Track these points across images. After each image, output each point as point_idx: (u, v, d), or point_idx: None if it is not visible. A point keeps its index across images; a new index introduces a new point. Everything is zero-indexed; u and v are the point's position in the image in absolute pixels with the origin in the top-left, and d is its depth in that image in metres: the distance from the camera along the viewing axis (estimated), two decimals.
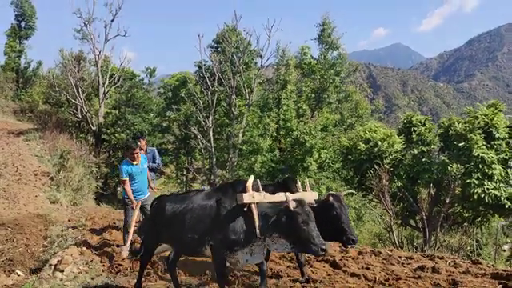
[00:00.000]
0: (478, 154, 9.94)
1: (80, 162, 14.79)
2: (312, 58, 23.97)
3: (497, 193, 9.96)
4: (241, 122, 23.65)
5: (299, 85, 23.08)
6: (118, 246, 7.73)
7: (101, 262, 7.01)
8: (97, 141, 22.90)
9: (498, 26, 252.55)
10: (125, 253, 6.78)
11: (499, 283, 6.22)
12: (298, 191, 4.97)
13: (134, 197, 7.12)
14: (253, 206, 4.37)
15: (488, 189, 9.88)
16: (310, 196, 4.99)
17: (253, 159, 21.32)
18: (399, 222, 11.76)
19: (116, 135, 22.80)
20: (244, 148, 22.35)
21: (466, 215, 11.08)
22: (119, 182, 8.75)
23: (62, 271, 6.41)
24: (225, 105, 26.13)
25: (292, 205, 4.20)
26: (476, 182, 9.89)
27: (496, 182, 10.00)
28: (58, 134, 19.08)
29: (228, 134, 24.35)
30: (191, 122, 26.51)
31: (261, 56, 24.56)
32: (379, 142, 11.15)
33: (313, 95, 23.08)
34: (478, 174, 9.93)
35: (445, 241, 10.62)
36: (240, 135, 23.26)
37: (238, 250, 4.45)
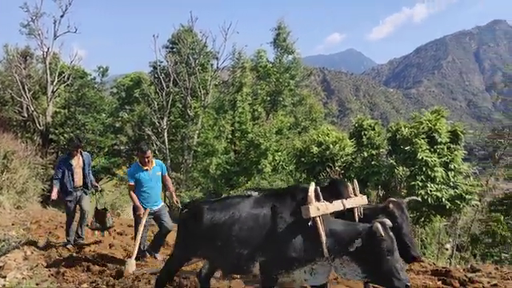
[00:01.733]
0: (422, 158, 10.44)
1: (25, 164, 14.15)
2: (268, 61, 24.26)
3: (438, 194, 10.48)
4: (196, 124, 23.54)
5: (255, 87, 23.28)
6: (62, 250, 7.39)
7: (46, 267, 6.71)
8: (44, 141, 22.01)
9: (443, 36, 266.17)
10: (130, 268, 5.91)
11: (438, 279, 6.59)
12: (350, 196, 4.29)
13: (142, 205, 6.41)
14: (318, 219, 3.71)
15: (431, 190, 10.37)
16: (361, 201, 4.37)
17: (208, 161, 21.27)
18: None
19: (65, 135, 22.03)
20: (199, 150, 22.26)
21: (411, 216, 11.58)
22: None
23: (5, 277, 6.06)
24: (180, 106, 25.90)
25: (380, 230, 3.53)
26: (420, 184, 10.37)
27: (438, 184, 10.52)
28: (0, 134, 18.16)
29: (183, 136, 24.15)
30: (145, 123, 26.06)
31: (217, 58, 24.62)
32: (331, 145, 11.47)
33: (268, 98, 23.36)
34: (422, 177, 10.42)
35: None
36: (195, 137, 23.14)
37: (296, 269, 3.83)
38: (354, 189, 4.45)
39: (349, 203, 4.06)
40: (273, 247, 3.80)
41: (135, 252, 6.19)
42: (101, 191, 8.00)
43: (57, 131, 22.10)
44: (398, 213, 4.28)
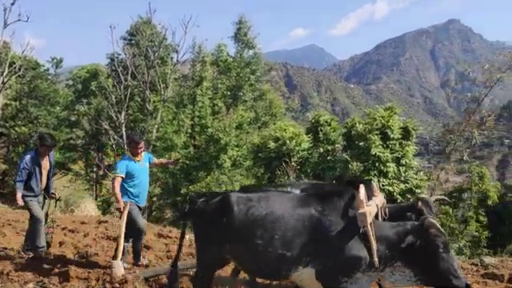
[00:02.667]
0: (375, 153, 10.75)
1: None
2: (228, 55, 24.16)
3: (390, 189, 10.85)
4: (155, 118, 23.14)
5: (215, 82, 23.15)
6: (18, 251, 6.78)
7: None
8: None
9: (402, 34, 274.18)
10: (118, 270, 5.32)
11: None
12: (374, 195, 4.00)
13: (134, 201, 5.90)
14: (369, 227, 3.36)
15: (383, 185, 10.73)
16: (383, 200, 4.13)
17: (167, 156, 20.95)
18: None
19: (16, 129, 21.16)
20: (158, 144, 21.93)
21: None
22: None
23: None
24: (139, 100, 25.40)
25: (435, 226, 3.36)
26: (373, 178, 10.69)
27: (390, 179, 10.89)
28: None
29: (142, 130, 23.70)
30: (102, 117, 25.38)
31: (177, 51, 24.27)
32: (287, 141, 11.63)
33: (228, 93, 23.30)
34: (375, 172, 10.75)
35: None
36: (154, 131, 22.76)
37: (342, 280, 3.47)
38: (373, 188, 4.24)
39: (379, 203, 3.84)
40: (321, 254, 3.45)
41: (120, 252, 5.54)
42: (59, 200, 7.09)
43: (7, 124, 21.18)
44: (427, 210, 4.12)
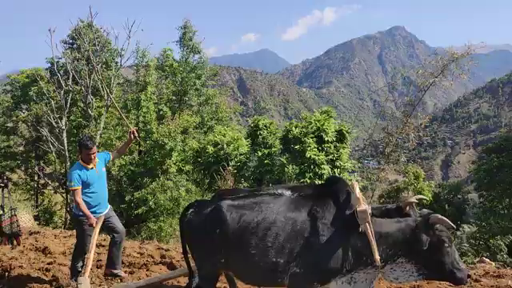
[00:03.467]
0: (310, 156, 11.12)
1: None
2: (174, 60, 23.98)
3: None
4: (99, 124, 22.54)
5: (160, 87, 22.91)
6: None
7: None
8: None
9: (350, 39, 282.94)
10: (85, 285, 5.03)
11: None
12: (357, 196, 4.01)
13: (91, 212, 5.47)
14: (369, 225, 3.32)
15: None
16: (365, 199, 4.04)
17: (111, 162, 20.45)
18: None
19: None
20: (101, 151, 21.35)
21: None
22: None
23: None
24: (81, 105, 24.63)
25: (440, 220, 3.31)
26: (308, 180, 11.04)
27: None
28: None
29: (91, 135, 23.02)
30: (43, 123, 24.39)
31: (121, 55, 23.78)
32: (225, 146, 11.77)
33: (174, 97, 23.12)
34: (310, 174, 11.11)
35: None
36: (98, 137, 22.15)
37: (334, 280, 3.42)
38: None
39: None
40: (309, 256, 3.36)
41: (88, 268, 5.26)
42: (5, 186, 6.64)
43: None
44: (414, 213, 3.98)
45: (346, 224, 3.38)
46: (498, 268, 7.32)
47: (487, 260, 8.11)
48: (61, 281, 5.95)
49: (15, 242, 6.78)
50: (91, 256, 5.37)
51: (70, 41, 25.46)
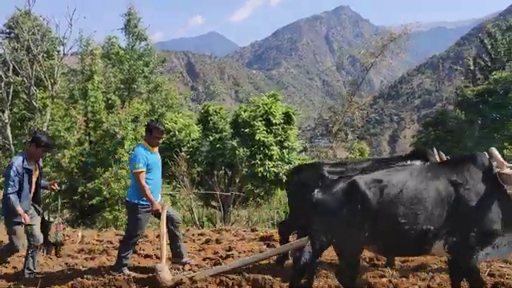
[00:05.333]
0: (260, 138, 11.66)
1: None
2: (120, 48, 23.56)
3: (276, 170, 11.86)
4: (44, 116, 21.92)
5: (107, 75, 22.51)
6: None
7: None
8: None
9: (297, 20, 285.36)
10: (166, 274, 4.83)
11: (264, 243, 7.67)
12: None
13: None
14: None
15: (268, 167, 11.69)
16: None
17: (60, 154, 20.08)
18: (202, 203, 12.94)
19: None
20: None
21: (257, 191, 12.86)
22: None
23: None
24: (24, 97, 23.78)
25: None
26: (259, 162, 11.60)
27: (274, 161, 11.91)
28: None
29: (30, 129, 22.31)
30: None
31: (63, 44, 23.07)
32: (177, 132, 12.07)
33: (122, 86, 22.81)
34: (261, 156, 11.68)
35: (238, 215, 12.18)
36: (44, 129, 21.57)
37: (491, 244, 3.53)
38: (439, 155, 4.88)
39: None
40: (466, 223, 3.46)
41: (164, 255, 5.10)
42: (59, 191, 6.26)
43: None
44: None
45: (491, 188, 3.50)
46: None
47: None
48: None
49: (53, 252, 6.27)
50: (164, 242, 5.22)
51: (7, 30, 24.35)
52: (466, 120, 19.54)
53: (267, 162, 11.64)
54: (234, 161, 11.87)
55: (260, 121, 11.91)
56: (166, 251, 5.19)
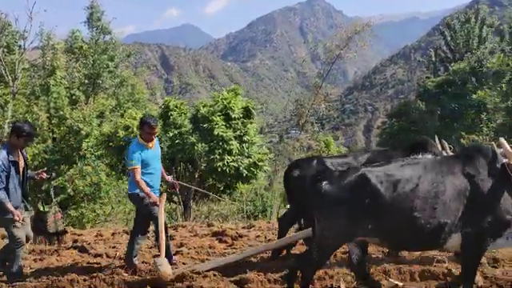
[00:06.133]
0: (218, 133, 11.69)
1: None
2: (83, 42, 23.11)
3: (235, 164, 11.94)
4: (6, 112, 21.40)
5: (71, 70, 22.10)
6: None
7: None
8: None
9: (271, 11, 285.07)
10: (166, 267, 4.85)
11: (216, 239, 7.77)
12: (448, 153, 4.67)
13: None
14: None
15: (228, 162, 11.75)
16: None
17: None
18: None
19: None
20: None
21: (218, 186, 12.92)
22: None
23: None
24: None
25: None
26: (218, 157, 11.65)
27: (234, 156, 11.97)
28: None
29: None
30: None
31: (23, 38, 22.48)
32: (135, 129, 11.97)
33: (86, 81, 22.44)
34: (220, 150, 11.71)
35: (198, 210, 12.25)
36: (6, 127, 21.06)
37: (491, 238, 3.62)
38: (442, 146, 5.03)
39: None
40: (480, 214, 3.52)
41: (163, 248, 5.09)
42: (49, 179, 6.19)
43: None
44: None
45: (501, 178, 3.57)
46: None
47: None
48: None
49: (57, 241, 6.42)
50: (163, 236, 5.20)
51: None
52: (426, 111, 20.03)
53: (226, 157, 11.69)
54: (193, 156, 11.88)
55: (219, 116, 11.93)
56: (164, 245, 5.16)
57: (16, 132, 5.15)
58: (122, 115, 22.21)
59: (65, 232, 6.10)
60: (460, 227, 3.53)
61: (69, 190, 17.58)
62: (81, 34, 23.25)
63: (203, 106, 12.23)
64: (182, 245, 7.41)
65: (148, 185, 5.35)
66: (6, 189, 4.95)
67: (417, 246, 4.07)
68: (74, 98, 21.34)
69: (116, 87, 23.18)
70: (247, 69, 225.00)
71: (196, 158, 11.50)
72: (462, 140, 16.04)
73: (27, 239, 5.47)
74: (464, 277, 3.82)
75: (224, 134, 11.71)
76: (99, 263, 6.45)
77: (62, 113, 20.57)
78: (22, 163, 5.22)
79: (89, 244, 7.90)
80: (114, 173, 14.05)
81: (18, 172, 5.12)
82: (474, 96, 15.09)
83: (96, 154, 15.33)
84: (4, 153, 5.00)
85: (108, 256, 7.05)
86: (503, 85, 13.05)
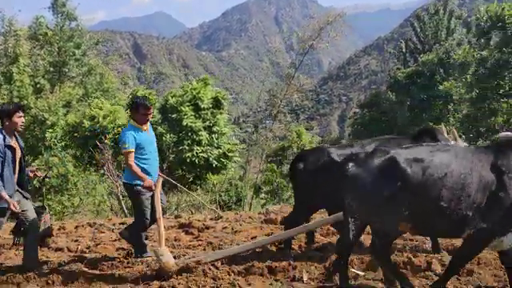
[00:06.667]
0: (187, 124, 11.52)
1: None
2: (48, 28, 22.32)
3: (205, 155, 11.80)
4: None
5: (35, 58, 21.34)
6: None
7: None
8: None
9: (247, 0, 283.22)
10: (169, 257, 4.59)
11: (182, 231, 7.63)
12: (456, 140, 4.81)
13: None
14: None
15: (197, 152, 11.61)
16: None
17: None
18: None
19: None
20: None
21: (188, 177, 12.75)
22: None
23: None
24: None
25: None
26: (187, 147, 11.49)
27: (203, 146, 11.83)
28: None
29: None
30: None
31: None
32: (101, 119, 11.67)
33: (52, 69, 21.73)
34: (188, 141, 11.55)
35: (168, 201, 12.04)
36: None
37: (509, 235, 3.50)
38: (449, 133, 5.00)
39: None
40: (498, 211, 3.42)
41: (162, 237, 4.81)
42: (43, 178, 5.70)
43: None
44: None
45: None
46: None
47: None
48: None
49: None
50: (161, 224, 4.92)
51: None
52: (396, 101, 20.29)
53: (196, 148, 11.55)
54: (162, 147, 11.66)
55: (188, 106, 11.73)
56: (163, 234, 4.86)
57: (5, 114, 4.73)
58: (89, 105, 21.71)
59: (49, 235, 5.69)
60: (477, 220, 3.47)
61: (34, 182, 17.04)
62: (45, 20, 22.50)
63: (172, 97, 12.00)
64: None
65: (146, 172, 5.10)
66: (1, 175, 4.57)
67: (439, 234, 4.15)
68: (38, 86, 20.62)
69: (84, 76, 22.54)
70: (222, 58, 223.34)
71: (164, 148, 11.27)
72: None
73: (50, 232, 5.36)
74: (451, 269, 3.76)
75: (193, 125, 11.55)
76: (59, 258, 6.23)
77: (25, 102, 19.84)
78: (18, 150, 4.84)
79: (51, 236, 7.63)
80: (80, 164, 13.66)
81: (14, 158, 4.74)
82: (440, 87, 15.33)
83: (61, 144, 14.82)
84: (0, 138, 4.62)
85: (69, 250, 6.80)
86: (468, 76, 13.29)
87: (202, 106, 11.91)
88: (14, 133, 4.82)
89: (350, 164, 3.69)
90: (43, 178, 5.62)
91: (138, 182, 5.09)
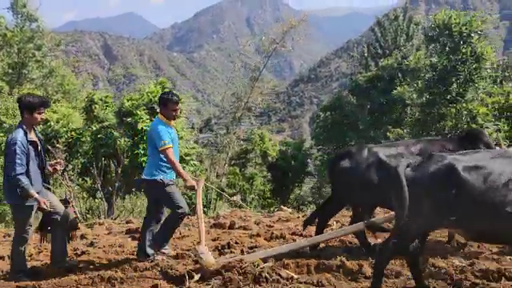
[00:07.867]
0: (142, 128, 11.46)
1: None
2: (7, 29, 21.72)
3: None
4: None
5: None
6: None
7: None
8: None
9: (219, 2, 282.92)
10: (209, 257, 4.49)
11: (129, 237, 7.61)
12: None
13: (171, 177, 4.99)
14: None
15: None
16: None
17: None
18: (87, 195, 12.54)
19: None
20: None
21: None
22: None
23: None
24: None
25: None
26: (142, 152, 11.42)
27: None
28: None
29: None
30: None
31: None
32: (53, 123, 11.51)
33: (11, 71, 21.17)
34: (144, 145, 11.47)
35: (123, 206, 11.99)
36: None
37: None
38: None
39: None
40: None
41: (203, 235, 4.71)
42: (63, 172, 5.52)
43: None
44: None
45: None
46: (291, 213, 8.74)
47: (285, 208, 9.53)
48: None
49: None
50: (202, 223, 4.85)
51: None
52: (357, 105, 20.73)
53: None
54: (116, 151, 11.58)
55: (143, 110, 11.68)
56: (204, 233, 4.82)
57: (27, 107, 4.61)
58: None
59: (76, 228, 5.50)
60: None
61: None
62: (5, 20, 21.85)
63: (127, 100, 11.91)
64: (91, 244, 7.19)
65: (169, 168, 5.01)
66: (27, 172, 4.49)
67: (497, 241, 4.10)
68: None
69: (44, 78, 22.04)
70: (194, 60, 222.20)
71: (119, 153, 11.20)
72: (388, 133, 16.79)
73: (75, 225, 5.25)
74: None
75: (148, 129, 11.49)
76: None
77: None
78: (38, 144, 4.78)
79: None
80: None
81: (37, 154, 4.70)
82: (393, 92, 15.82)
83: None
84: (21, 132, 4.54)
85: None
86: (419, 82, 13.80)
87: (158, 110, 11.83)
88: (32, 126, 4.76)
89: (407, 167, 3.63)
90: (63, 171, 5.53)
91: (163, 176, 5.00)
